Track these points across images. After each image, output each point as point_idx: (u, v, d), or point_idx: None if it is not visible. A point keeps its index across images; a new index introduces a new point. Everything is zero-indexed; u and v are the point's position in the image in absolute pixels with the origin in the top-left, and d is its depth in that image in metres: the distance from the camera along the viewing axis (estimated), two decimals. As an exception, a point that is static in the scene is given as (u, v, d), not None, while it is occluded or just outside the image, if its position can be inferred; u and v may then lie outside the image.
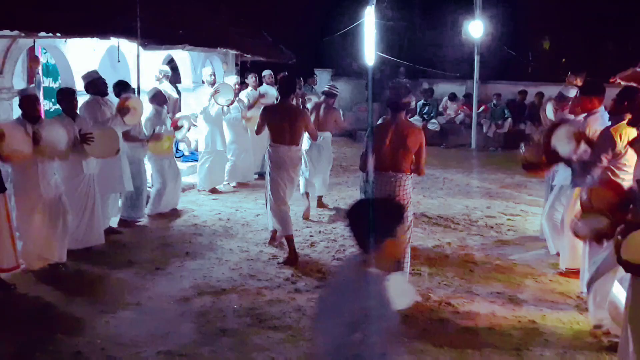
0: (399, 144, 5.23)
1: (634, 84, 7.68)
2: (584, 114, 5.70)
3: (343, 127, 9.12)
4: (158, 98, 8.12)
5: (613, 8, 19.27)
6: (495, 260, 6.50)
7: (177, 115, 9.21)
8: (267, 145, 6.68)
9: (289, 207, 6.60)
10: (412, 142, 5.25)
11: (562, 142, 5.23)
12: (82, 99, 6.89)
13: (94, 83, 6.95)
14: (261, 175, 10.53)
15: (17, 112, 6.51)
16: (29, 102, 5.77)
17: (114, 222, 7.46)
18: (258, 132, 6.77)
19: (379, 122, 5.96)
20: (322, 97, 8.71)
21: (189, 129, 8.93)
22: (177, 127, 8.45)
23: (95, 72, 7.17)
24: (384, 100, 17.50)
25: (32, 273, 5.82)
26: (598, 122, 5.42)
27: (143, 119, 7.78)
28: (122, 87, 7.62)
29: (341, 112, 9.09)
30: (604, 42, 21.39)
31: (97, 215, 6.50)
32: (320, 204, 8.67)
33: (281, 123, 6.41)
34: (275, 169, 6.46)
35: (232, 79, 10.17)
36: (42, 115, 6.23)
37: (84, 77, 7.01)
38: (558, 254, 6.20)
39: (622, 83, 8.93)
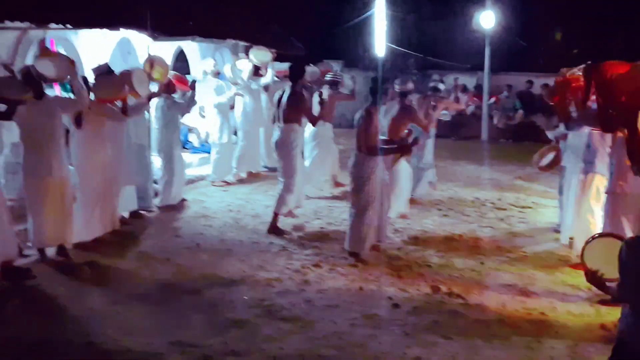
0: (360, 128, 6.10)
1: None
2: None
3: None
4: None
5: (626, 0, 19.06)
6: (505, 252, 6.47)
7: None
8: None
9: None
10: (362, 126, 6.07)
11: None
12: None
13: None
14: (270, 169, 10.57)
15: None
16: None
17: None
18: (274, 120, 7.43)
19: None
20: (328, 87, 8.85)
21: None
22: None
23: (106, 65, 7.17)
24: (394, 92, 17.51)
25: (43, 264, 5.86)
26: None
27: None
28: None
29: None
30: (615, 33, 21.16)
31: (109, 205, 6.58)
32: (337, 184, 9.16)
33: (284, 105, 7.04)
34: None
35: (210, 63, 9.97)
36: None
37: (95, 70, 7.02)
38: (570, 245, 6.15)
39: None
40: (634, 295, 2.96)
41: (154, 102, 7.79)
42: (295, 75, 7.11)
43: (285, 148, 7.09)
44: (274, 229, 7.05)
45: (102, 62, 7.32)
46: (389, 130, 6.55)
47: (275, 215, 7.09)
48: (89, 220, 6.37)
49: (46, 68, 5.81)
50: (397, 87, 7.43)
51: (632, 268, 2.92)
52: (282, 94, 7.19)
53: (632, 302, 2.99)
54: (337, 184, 9.27)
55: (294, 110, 7.02)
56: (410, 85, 7.55)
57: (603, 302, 4.97)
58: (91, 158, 6.35)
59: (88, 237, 6.39)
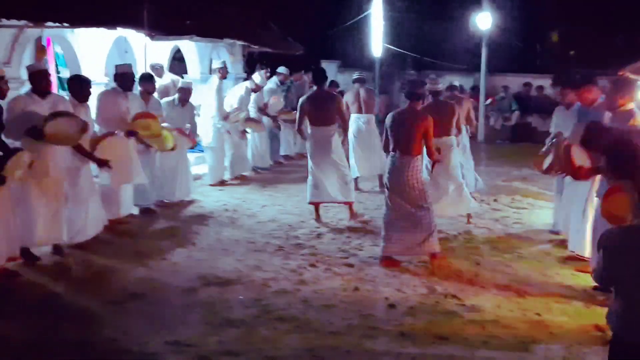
0: (410, 130, 5.85)
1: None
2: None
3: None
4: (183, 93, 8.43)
5: (623, 2, 19.09)
6: (501, 253, 6.48)
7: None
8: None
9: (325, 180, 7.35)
10: (420, 127, 5.85)
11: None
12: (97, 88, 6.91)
13: (125, 76, 7.01)
14: (260, 170, 10.59)
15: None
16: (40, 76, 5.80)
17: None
18: (300, 124, 7.48)
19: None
20: (356, 85, 9.28)
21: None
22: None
23: (129, 65, 7.31)
24: (391, 92, 17.54)
25: (37, 264, 5.85)
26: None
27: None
28: (147, 80, 7.77)
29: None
30: (613, 34, 21.19)
31: (100, 203, 6.61)
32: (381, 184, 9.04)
33: (316, 108, 7.28)
34: (312, 147, 7.42)
35: (218, 63, 9.89)
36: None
37: (118, 67, 7.10)
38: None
39: (632, 77, 8.86)
40: (622, 284, 2.98)
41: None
42: (320, 78, 7.43)
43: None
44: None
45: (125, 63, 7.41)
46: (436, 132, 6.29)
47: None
48: (85, 221, 6.34)
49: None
50: (427, 87, 7.13)
51: (621, 257, 2.94)
52: (304, 97, 7.46)
53: (619, 290, 3.01)
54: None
55: (330, 109, 7.29)
56: (440, 85, 7.58)
57: (596, 288, 5.18)
58: (81, 159, 6.30)
59: (89, 236, 6.37)
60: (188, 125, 9.92)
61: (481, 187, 9.09)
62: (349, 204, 7.60)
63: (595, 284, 5.35)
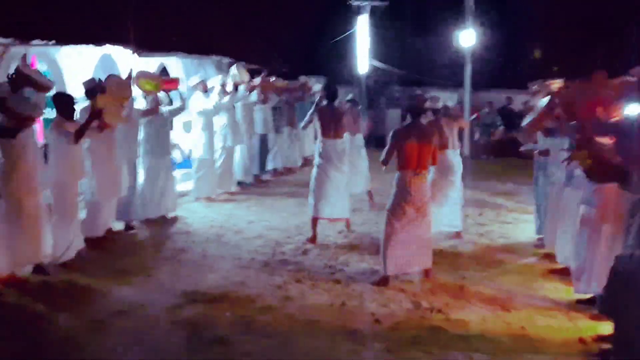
0: (423, 145, 5.89)
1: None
2: None
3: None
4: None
5: (604, 18, 19.44)
6: (486, 267, 6.51)
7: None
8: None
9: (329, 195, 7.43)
10: (433, 141, 5.97)
11: None
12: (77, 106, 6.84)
13: (96, 89, 6.90)
14: (245, 185, 10.55)
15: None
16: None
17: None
18: (306, 126, 7.97)
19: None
20: (347, 106, 9.30)
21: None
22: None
23: (93, 79, 7.20)
24: (377, 107, 17.63)
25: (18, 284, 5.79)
26: None
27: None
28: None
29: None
30: (594, 50, 21.52)
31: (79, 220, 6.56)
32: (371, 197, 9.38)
33: (329, 121, 7.49)
34: (323, 159, 7.50)
35: (217, 80, 10.07)
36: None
37: (85, 84, 7.01)
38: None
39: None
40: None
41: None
42: (332, 94, 7.70)
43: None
44: None
45: (88, 78, 7.29)
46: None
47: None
48: (70, 239, 6.29)
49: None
50: (429, 104, 7.45)
51: (629, 284, 2.93)
52: (318, 109, 7.61)
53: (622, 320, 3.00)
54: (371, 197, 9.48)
55: (342, 123, 7.54)
56: (440, 103, 7.71)
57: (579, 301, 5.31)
58: (70, 175, 6.27)
59: (72, 254, 6.32)
60: (175, 142, 9.95)
61: None
62: (347, 220, 7.82)
63: (579, 298, 5.40)
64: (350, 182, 8.86)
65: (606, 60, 19.69)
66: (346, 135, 8.39)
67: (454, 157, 7.51)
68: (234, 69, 10.13)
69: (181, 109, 8.50)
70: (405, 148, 5.85)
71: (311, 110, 7.74)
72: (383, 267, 5.93)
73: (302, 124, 8.06)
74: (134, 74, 7.47)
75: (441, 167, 7.04)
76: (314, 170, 7.56)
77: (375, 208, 8.93)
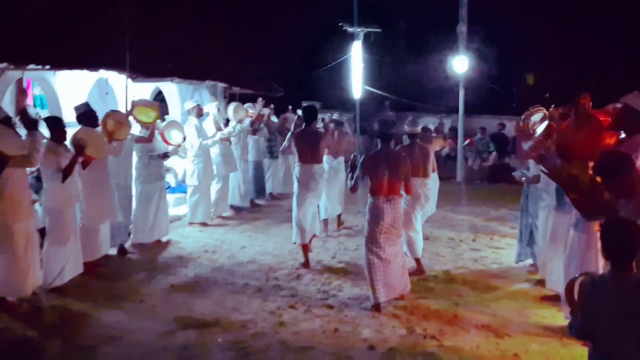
0: (393, 171, 5.91)
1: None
2: None
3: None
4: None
5: (596, 46, 19.70)
6: (480, 293, 6.49)
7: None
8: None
9: (309, 219, 7.40)
10: (402, 168, 5.96)
11: None
12: (71, 129, 6.84)
13: (88, 114, 6.93)
14: (237, 208, 10.55)
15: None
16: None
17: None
18: (286, 152, 8.19)
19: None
20: (331, 126, 9.61)
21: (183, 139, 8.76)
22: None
23: (86, 103, 7.19)
24: (370, 133, 17.73)
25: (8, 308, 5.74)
26: None
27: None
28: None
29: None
30: (586, 78, 21.78)
31: (79, 247, 6.49)
32: (339, 222, 9.45)
33: (305, 146, 7.40)
34: (300, 184, 7.41)
35: (212, 105, 10.17)
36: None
37: (77, 108, 7.01)
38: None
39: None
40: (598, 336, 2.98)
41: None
42: (309, 116, 7.58)
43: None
44: None
45: (81, 102, 7.31)
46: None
47: None
48: (62, 264, 6.25)
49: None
50: (407, 129, 7.48)
51: (598, 307, 2.95)
52: (293, 135, 7.53)
53: (596, 344, 3.01)
54: (340, 223, 9.58)
55: (320, 147, 7.48)
56: (419, 127, 7.68)
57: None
58: (63, 200, 6.24)
59: (64, 280, 6.27)
60: (170, 167, 9.97)
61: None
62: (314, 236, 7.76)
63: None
64: (328, 204, 8.99)
65: (599, 87, 19.97)
66: (326, 157, 8.68)
67: (421, 186, 7.25)
68: (230, 110, 10.20)
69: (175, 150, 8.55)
70: (375, 174, 5.89)
71: (288, 135, 7.74)
72: (372, 295, 5.90)
73: (281, 148, 8.23)
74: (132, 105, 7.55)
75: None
76: (294, 199, 7.48)
77: (338, 233, 9.18)
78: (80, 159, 6.30)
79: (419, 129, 7.55)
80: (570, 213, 5.40)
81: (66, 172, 6.10)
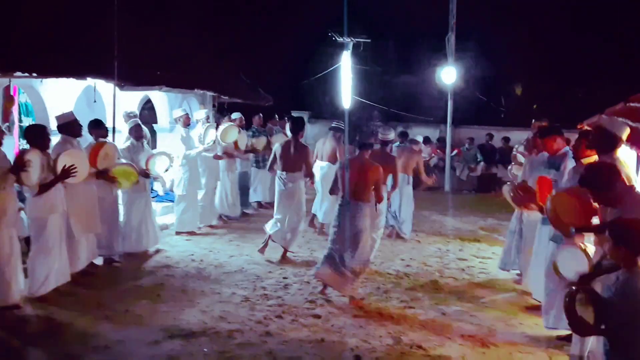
0: (360, 177, 6.32)
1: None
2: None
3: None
4: (134, 132, 8.17)
5: (583, 56, 19.94)
6: (467, 302, 6.53)
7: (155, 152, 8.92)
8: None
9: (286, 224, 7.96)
10: (370, 173, 6.33)
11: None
12: (54, 138, 6.79)
13: (70, 125, 6.80)
14: (227, 219, 10.53)
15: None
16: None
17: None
18: (271, 166, 8.16)
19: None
20: (330, 133, 9.84)
21: (166, 169, 8.68)
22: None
23: (70, 113, 7.02)
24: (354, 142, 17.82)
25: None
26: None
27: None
28: (96, 126, 7.51)
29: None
30: (574, 89, 22.02)
31: (65, 256, 6.45)
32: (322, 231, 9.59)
33: (287, 155, 7.86)
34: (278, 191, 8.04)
35: (202, 113, 10.15)
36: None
37: (59, 118, 6.91)
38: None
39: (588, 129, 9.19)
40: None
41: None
42: (297, 127, 8.02)
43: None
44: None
45: (66, 111, 7.24)
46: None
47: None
48: (46, 273, 6.21)
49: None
50: (380, 136, 8.27)
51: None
52: (280, 145, 8.00)
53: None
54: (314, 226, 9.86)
55: (300, 159, 7.86)
56: (391, 135, 8.42)
57: (559, 338, 5.38)
58: (46, 210, 6.18)
59: (48, 289, 6.23)
60: (157, 174, 9.91)
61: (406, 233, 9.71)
62: (285, 249, 8.08)
63: (559, 334, 5.43)
64: (319, 208, 9.47)
65: (585, 99, 20.17)
66: (326, 164, 9.37)
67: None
68: (220, 130, 9.93)
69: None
70: (348, 179, 6.28)
71: (272, 152, 8.11)
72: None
73: (268, 167, 8.48)
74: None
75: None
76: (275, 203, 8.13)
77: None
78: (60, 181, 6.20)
79: (390, 136, 8.31)
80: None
81: (42, 189, 5.99)
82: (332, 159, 9.57)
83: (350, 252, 6.33)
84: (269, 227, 8.06)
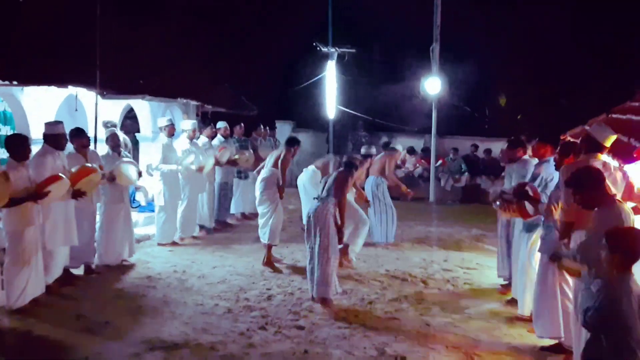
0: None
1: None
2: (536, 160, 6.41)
3: None
4: (111, 141, 8.12)
5: (567, 67, 20.17)
6: (451, 314, 6.54)
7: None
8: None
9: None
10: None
11: None
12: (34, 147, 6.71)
13: (57, 137, 6.71)
14: (208, 229, 10.46)
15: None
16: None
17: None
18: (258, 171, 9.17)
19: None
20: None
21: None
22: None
23: (61, 126, 6.86)
24: (344, 153, 17.84)
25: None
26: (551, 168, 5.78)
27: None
28: (77, 134, 7.43)
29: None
30: (557, 99, 22.25)
31: (41, 267, 6.37)
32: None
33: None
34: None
35: (188, 124, 10.09)
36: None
37: (48, 127, 6.78)
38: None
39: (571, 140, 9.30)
40: None
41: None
42: (293, 141, 8.75)
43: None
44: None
45: (54, 120, 7.12)
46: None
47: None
48: (22, 285, 6.11)
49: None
50: (362, 151, 9.47)
51: None
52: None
53: None
54: None
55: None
56: (373, 150, 9.57)
57: (543, 348, 5.46)
58: (21, 222, 6.08)
59: (25, 301, 6.14)
60: (140, 185, 9.86)
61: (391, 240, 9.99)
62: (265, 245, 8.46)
63: (543, 345, 5.46)
64: None
65: (570, 108, 20.40)
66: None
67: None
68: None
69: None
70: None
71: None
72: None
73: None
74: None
75: None
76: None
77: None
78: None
79: (371, 151, 9.49)
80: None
81: (14, 202, 5.85)
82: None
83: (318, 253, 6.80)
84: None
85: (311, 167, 9.67)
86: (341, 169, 7.32)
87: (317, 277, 6.69)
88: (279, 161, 8.48)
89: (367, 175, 9.87)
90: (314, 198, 7.23)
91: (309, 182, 9.40)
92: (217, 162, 10.39)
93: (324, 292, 6.68)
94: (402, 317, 6.36)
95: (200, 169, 9.67)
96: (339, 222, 6.88)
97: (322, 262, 6.68)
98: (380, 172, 9.98)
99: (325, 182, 7.10)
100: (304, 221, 9.36)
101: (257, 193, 8.54)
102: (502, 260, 7.33)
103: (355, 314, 6.42)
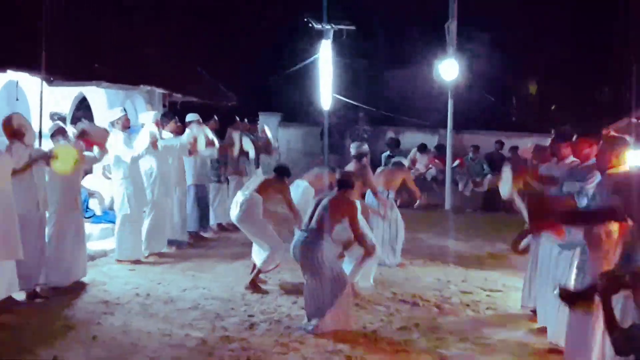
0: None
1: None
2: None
3: None
4: (58, 135, 8.16)
5: (608, 52, 20.18)
6: (471, 344, 6.55)
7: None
8: None
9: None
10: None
11: None
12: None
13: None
14: (179, 244, 10.47)
15: None
16: None
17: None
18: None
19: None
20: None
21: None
22: None
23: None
24: (342, 151, 17.88)
25: None
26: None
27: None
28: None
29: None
30: (597, 88, 22.25)
31: None
32: None
33: None
34: None
35: (150, 116, 10.11)
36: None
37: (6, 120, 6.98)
38: None
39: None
40: None
41: None
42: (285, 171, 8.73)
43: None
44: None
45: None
46: None
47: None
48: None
49: None
50: (353, 150, 9.43)
51: None
52: None
53: None
54: None
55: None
56: (365, 148, 9.46)
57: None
58: None
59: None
60: (95, 191, 9.87)
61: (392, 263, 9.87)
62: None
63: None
64: None
65: (610, 100, 20.48)
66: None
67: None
68: (194, 130, 10.35)
69: (97, 160, 8.52)
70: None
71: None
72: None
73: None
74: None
75: None
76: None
77: None
78: None
79: (363, 149, 9.49)
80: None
81: None
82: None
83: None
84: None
85: (302, 184, 9.42)
86: (334, 192, 7.21)
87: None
88: (282, 197, 8.44)
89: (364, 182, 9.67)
90: (301, 230, 7.20)
91: (301, 200, 9.26)
92: (191, 153, 10.47)
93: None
94: (413, 349, 6.36)
95: (193, 150, 10.13)
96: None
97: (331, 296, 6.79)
98: (385, 185, 9.85)
99: (316, 206, 7.00)
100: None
101: (236, 211, 8.37)
102: (529, 287, 7.31)
103: (356, 347, 6.42)
